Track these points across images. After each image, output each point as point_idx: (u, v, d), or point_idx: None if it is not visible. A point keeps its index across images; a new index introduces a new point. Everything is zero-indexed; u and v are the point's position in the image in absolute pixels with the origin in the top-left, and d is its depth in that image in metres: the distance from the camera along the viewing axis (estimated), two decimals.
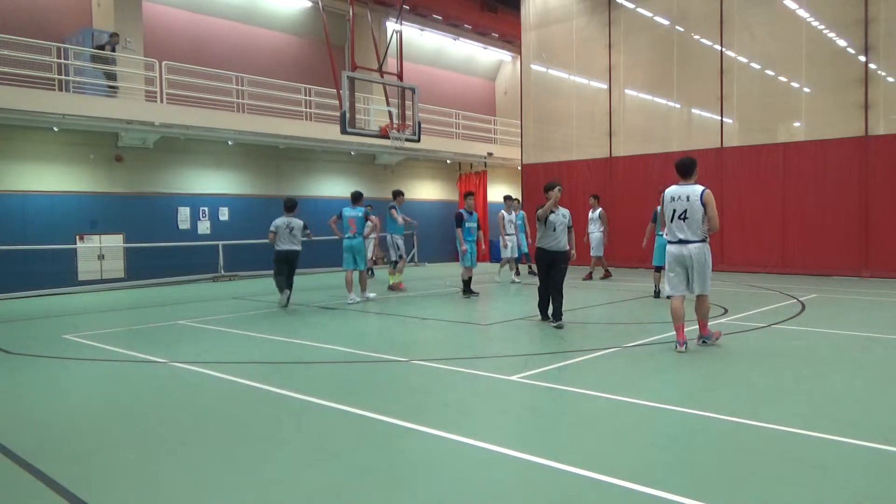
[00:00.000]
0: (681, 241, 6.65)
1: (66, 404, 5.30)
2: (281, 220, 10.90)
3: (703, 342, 6.95)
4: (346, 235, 11.21)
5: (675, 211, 6.66)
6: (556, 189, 8.38)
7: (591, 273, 14.80)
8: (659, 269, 10.90)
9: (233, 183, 17.58)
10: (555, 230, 8.41)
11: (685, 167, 6.76)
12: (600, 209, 14.74)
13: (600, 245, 14.55)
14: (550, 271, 8.41)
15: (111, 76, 15.13)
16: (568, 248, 8.47)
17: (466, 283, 11.95)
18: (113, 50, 15.10)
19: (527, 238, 15.10)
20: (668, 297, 6.92)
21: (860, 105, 14.67)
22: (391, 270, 13.55)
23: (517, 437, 4.21)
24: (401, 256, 13.48)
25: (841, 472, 3.51)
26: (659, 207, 10.66)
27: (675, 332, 6.75)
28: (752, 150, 16.10)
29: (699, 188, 6.61)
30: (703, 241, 6.64)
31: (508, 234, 14.34)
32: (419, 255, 21.53)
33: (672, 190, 6.75)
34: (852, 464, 3.64)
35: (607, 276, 14.87)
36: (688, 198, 6.58)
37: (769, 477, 3.46)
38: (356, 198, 11.54)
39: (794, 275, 14.83)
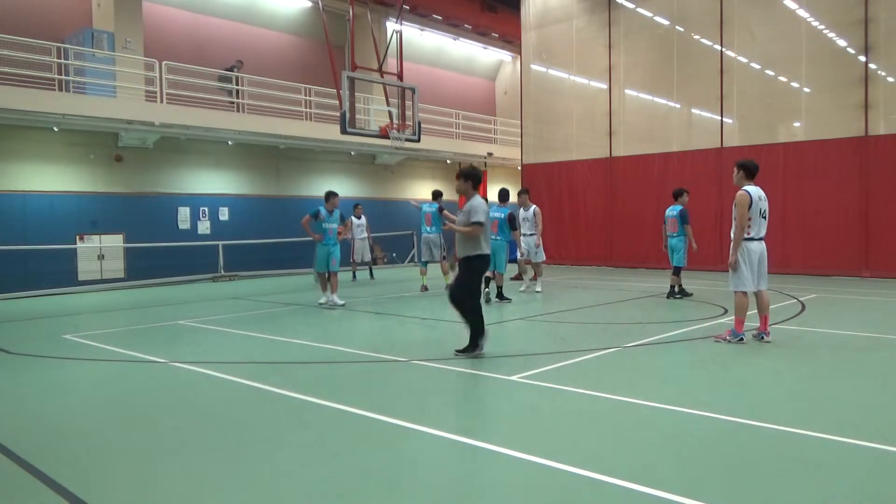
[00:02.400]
0: (762, 239, 7.01)
1: (66, 404, 5.30)
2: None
3: (762, 338, 7.11)
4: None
5: (761, 210, 6.95)
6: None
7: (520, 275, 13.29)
8: (678, 270, 10.88)
9: (233, 183, 17.57)
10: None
11: (757, 168, 7.13)
12: (534, 207, 12.50)
13: (536, 250, 12.37)
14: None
15: (230, 93, 15.39)
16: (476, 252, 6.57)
17: (500, 289, 11.03)
18: (233, 70, 15.59)
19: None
20: (742, 293, 6.99)
21: (860, 105, 14.67)
22: (445, 268, 13.00)
23: (517, 437, 4.21)
24: (444, 256, 13.22)
25: (841, 472, 3.52)
26: (669, 210, 10.72)
27: (738, 326, 7.00)
28: (752, 150, 16.05)
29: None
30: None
31: (523, 234, 12.15)
32: (419, 256, 21.50)
33: (757, 190, 6.98)
34: (852, 464, 3.64)
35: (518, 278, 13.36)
36: (766, 198, 7.04)
37: (769, 477, 3.46)
38: (328, 197, 11.26)
39: (794, 275, 14.83)
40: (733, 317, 7.15)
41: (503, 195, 11.47)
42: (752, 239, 6.92)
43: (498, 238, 10.75)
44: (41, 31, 15.18)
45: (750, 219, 6.87)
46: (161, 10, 17.89)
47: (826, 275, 14.66)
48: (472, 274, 6.61)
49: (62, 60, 14.46)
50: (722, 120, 16.66)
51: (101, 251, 15.08)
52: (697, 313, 9.33)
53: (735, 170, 7.21)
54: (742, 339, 7.01)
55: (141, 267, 15.45)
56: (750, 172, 7.07)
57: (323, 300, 10.96)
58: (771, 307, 9.45)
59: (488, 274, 10.65)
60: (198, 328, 8.99)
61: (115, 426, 4.67)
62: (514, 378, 5.67)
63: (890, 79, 14.82)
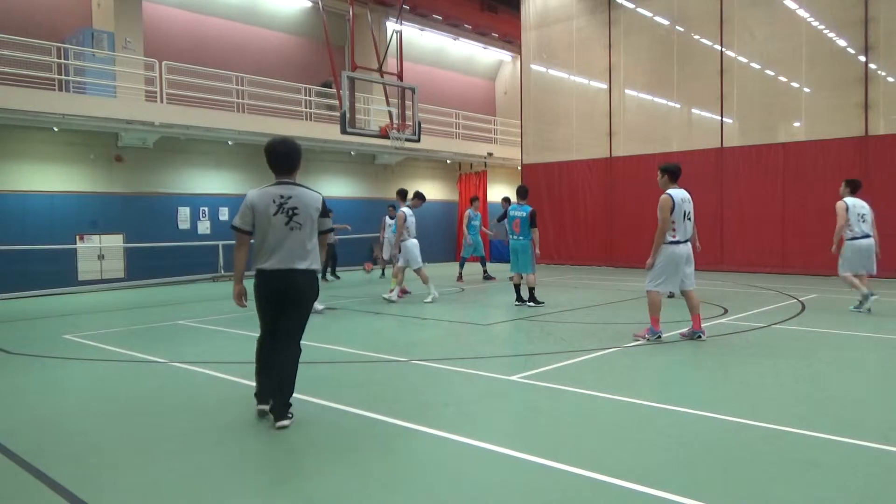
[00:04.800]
0: (687, 241, 7.11)
1: (65, 404, 5.30)
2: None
3: (698, 336, 7.19)
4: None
5: (685, 213, 7.04)
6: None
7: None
8: None
9: (233, 183, 17.57)
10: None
11: (680, 171, 7.25)
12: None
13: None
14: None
15: (332, 108, 15.42)
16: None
17: (532, 291, 10.45)
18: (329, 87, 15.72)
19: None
20: (655, 293, 7.14)
21: (860, 105, 14.67)
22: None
23: (517, 437, 4.21)
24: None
25: (841, 472, 3.52)
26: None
27: (654, 324, 7.20)
28: (752, 150, 16.09)
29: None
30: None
31: None
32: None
33: (680, 193, 7.08)
34: (852, 464, 3.64)
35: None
36: (691, 200, 7.14)
37: (769, 477, 3.46)
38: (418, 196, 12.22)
39: (794, 275, 14.82)
40: (729, 319, 7.18)
41: (523, 192, 10.71)
42: (676, 242, 7.00)
43: (520, 238, 10.21)
44: (41, 31, 15.17)
45: (674, 222, 6.95)
46: (161, 10, 17.89)
47: (826, 275, 14.65)
48: None
49: (62, 60, 14.45)
50: (722, 120, 16.66)
51: (101, 251, 15.08)
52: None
53: (659, 174, 7.32)
54: (660, 336, 7.17)
55: (141, 267, 15.44)
56: (674, 176, 7.20)
57: (428, 299, 11.18)
58: (771, 307, 9.48)
59: (514, 280, 10.52)
60: (198, 328, 8.99)
61: (114, 426, 4.67)
62: (514, 378, 5.67)
63: (890, 79, 14.82)
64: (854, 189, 9.43)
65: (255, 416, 4.65)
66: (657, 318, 7.17)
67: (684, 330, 7.44)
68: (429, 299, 11.19)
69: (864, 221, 9.09)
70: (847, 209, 9.21)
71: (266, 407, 4.57)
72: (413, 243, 11.55)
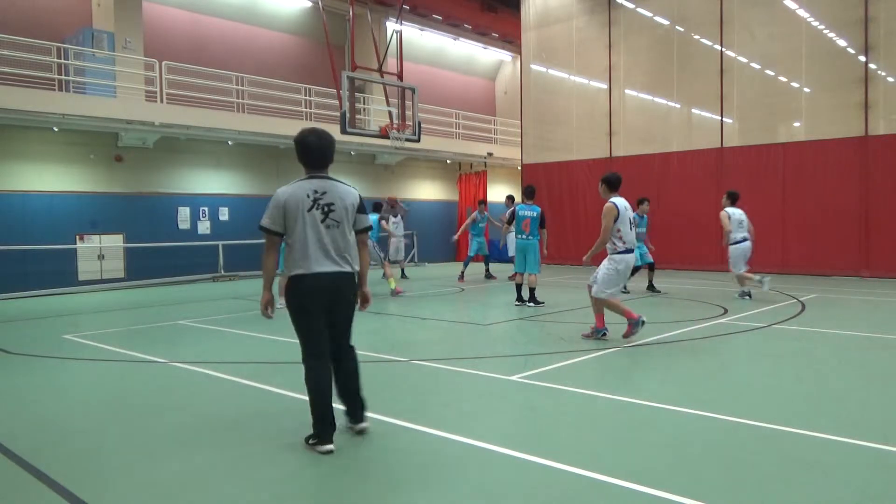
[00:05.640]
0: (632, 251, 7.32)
1: (66, 404, 5.30)
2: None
3: (602, 334, 7.39)
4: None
5: (629, 219, 7.27)
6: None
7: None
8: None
9: (233, 183, 17.57)
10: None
11: (619, 181, 7.42)
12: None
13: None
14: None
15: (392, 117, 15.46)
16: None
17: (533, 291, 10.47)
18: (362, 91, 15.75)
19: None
20: (607, 296, 7.24)
21: (860, 105, 14.67)
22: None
23: (517, 437, 4.21)
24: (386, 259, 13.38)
25: (841, 472, 3.51)
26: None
27: (599, 321, 7.42)
28: (752, 150, 16.09)
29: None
30: None
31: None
32: (419, 255, 21.52)
33: (623, 201, 7.28)
34: (852, 464, 3.64)
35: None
36: (630, 208, 7.43)
37: (769, 477, 3.46)
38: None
39: (794, 275, 14.83)
40: (729, 319, 7.17)
41: (531, 192, 10.80)
42: (627, 251, 7.17)
43: (529, 237, 10.18)
44: (41, 31, 15.17)
45: (619, 230, 7.10)
46: (161, 10, 17.89)
47: (826, 275, 14.66)
48: None
49: (62, 60, 14.45)
50: (722, 120, 16.66)
51: (101, 251, 15.08)
52: (697, 313, 9.33)
53: (600, 184, 7.52)
54: (605, 333, 7.37)
55: (141, 267, 15.44)
56: (612, 185, 7.37)
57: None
58: (771, 307, 9.47)
59: (517, 280, 10.51)
60: (198, 328, 8.99)
61: (114, 426, 4.67)
62: (514, 378, 5.67)
63: (890, 79, 14.82)
64: (734, 200, 10.87)
65: (320, 455, 3.91)
66: (629, 310, 7.21)
67: (587, 331, 7.57)
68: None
69: (742, 227, 10.61)
70: (729, 218, 10.62)
71: (333, 447, 3.93)
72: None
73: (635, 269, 11.71)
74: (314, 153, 4.20)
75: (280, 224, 4.05)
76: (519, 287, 10.52)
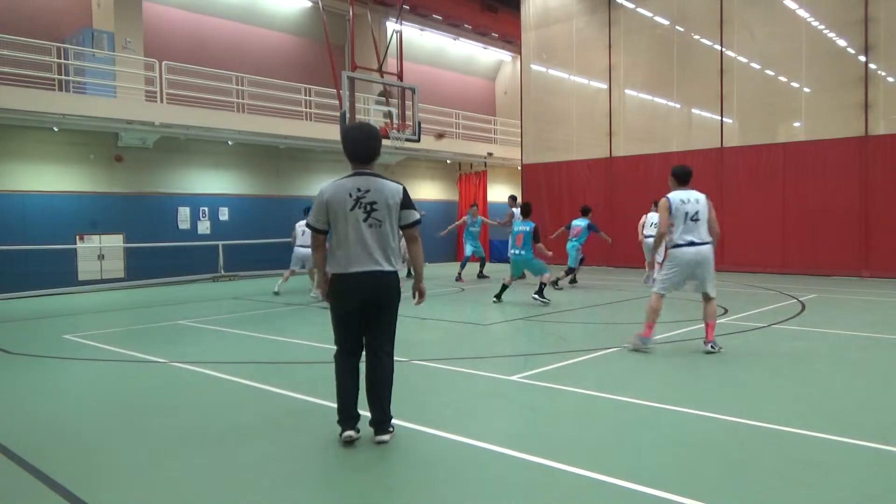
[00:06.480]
0: (691, 244, 6.59)
1: (66, 404, 5.30)
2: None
3: (710, 350, 6.63)
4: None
5: (687, 213, 6.62)
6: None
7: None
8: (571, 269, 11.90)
9: (233, 183, 17.57)
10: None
11: (685, 174, 6.88)
12: (514, 210, 14.60)
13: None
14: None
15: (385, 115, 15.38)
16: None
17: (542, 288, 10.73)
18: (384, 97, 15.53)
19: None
20: (657, 297, 6.77)
21: (860, 105, 14.67)
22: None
23: (517, 437, 4.21)
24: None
25: (841, 472, 3.51)
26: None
27: (646, 330, 6.74)
28: (752, 150, 16.09)
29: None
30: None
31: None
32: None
33: (680, 194, 6.72)
34: (852, 464, 3.64)
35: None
36: (697, 200, 6.66)
37: (769, 477, 3.46)
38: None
39: (794, 275, 14.83)
40: (729, 319, 7.14)
41: (527, 210, 11.18)
42: (677, 245, 6.63)
43: (521, 252, 10.67)
44: (41, 31, 15.17)
45: (672, 224, 6.63)
46: (161, 10, 17.89)
47: (826, 275, 14.65)
48: None
49: (62, 60, 14.45)
50: (722, 120, 16.66)
51: (101, 251, 15.08)
52: (697, 313, 9.31)
53: (669, 178, 7.06)
54: (646, 345, 6.73)
55: (141, 267, 15.44)
56: (678, 179, 6.90)
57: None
58: (771, 307, 9.47)
59: (506, 281, 11.09)
60: (198, 328, 8.99)
61: (114, 426, 4.67)
62: (513, 378, 5.67)
63: (890, 79, 14.82)
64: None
65: (341, 445, 4.04)
66: (650, 325, 6.75)
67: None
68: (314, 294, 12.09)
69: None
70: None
71: (353, 434, 4.04)
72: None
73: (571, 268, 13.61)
74: (357, 147, 4.11)
75: (324, 222, 4.07)
76: (505, 287, 11.06)
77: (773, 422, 4.31)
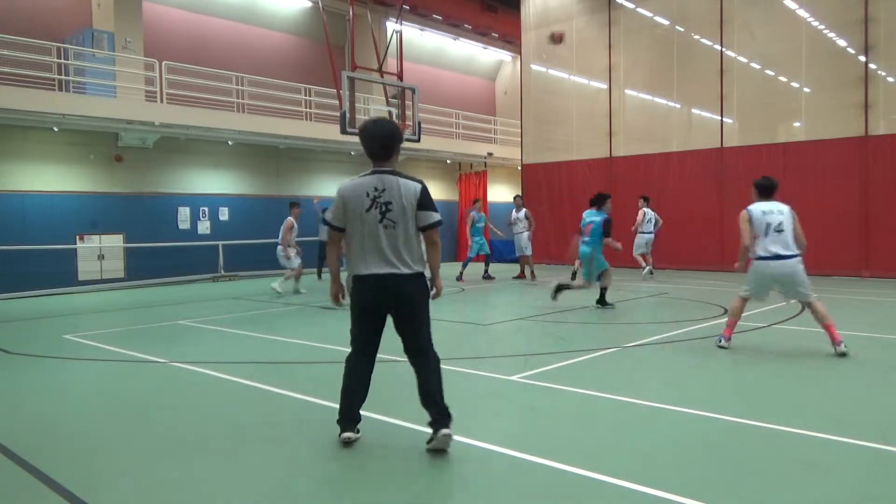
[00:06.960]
0: (773, 258, 6.61)
1: (66, 404, 5.30)
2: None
3: (842, 354, 6.43)
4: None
5: (768, 225, 6.72)
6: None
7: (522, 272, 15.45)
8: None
9: (233, 183, 17.57)
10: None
11: (768, 186, 7.09)
12: (525, 209, 15.33)
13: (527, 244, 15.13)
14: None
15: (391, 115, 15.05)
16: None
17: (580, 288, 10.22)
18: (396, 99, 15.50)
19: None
20: (739, 300, 6.94)
21: (860, 105, 14.66)
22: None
23: (517, 437, 4.21)
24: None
25: (841, 472, 3.52)
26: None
27: (725, 330, 6.93)
28: (752, 150, 16.09)
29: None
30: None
31: (517, 233, 15.08)
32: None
33: (761, 205, 6.90)
34: (852, 464, 3.64)
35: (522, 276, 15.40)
36: (782, 211, 6.79)
37: (769, 477, 3.46)
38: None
39: None
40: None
41: (599, 200, 10.18)
42: (760, 258, 6.67)
43: (588, 244, 9.82)
44: (41, 31, 15.17)
45: (756, 237, 6.69)
46: (161, 10, 17.89)
47: (826, 275, 14.65)
48: None
49: (62, 60, 14.45)
50: (722, 120, 16.66)
51: (101, 251, 15.08)
52: (697, 313, 9.34)
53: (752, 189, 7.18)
54: (724, 345, 6.81)
55: (141, 267, 15.45)
56: (761, 190, 7.10)
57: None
58: (771, 307, 9.47)
59: (585, 285, 10.02)
60: (198, 328, 8.99)
61: (114, 426, 4.67)
62: (513, 378, 5.67)
63: (890, 79, 14.82)
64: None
65: (339, 444, 4.03)
66: (732, 323, 6.89)
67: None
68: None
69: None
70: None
71: (351, 435, 4.01)
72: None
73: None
74: (372, 143, 3.98)
75: (341, 220, 4.00)
76: (602, 293, 10.08)
77: (773, 422, 4.31)
